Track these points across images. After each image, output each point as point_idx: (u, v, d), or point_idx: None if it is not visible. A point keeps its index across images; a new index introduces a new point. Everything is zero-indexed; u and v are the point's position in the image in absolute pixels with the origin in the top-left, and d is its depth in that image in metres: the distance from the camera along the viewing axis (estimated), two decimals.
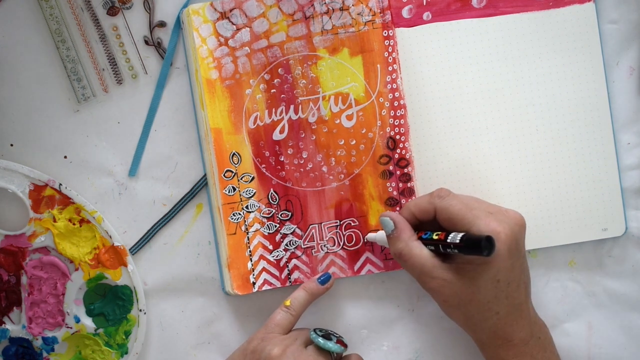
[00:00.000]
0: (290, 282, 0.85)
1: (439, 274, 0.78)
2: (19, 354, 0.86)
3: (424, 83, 0.86)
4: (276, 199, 0.85)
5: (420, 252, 0.79)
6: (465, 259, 0.78)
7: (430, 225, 0.81)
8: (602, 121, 0.87)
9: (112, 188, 0.86)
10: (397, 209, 0.85)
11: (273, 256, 0.85)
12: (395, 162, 0.86)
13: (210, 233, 0.87)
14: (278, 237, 0.85)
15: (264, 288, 0.85)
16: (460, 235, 0.76)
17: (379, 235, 0.84)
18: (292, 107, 0.85)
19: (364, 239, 0.86)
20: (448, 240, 0.77)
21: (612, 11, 0.87)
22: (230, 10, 0.85)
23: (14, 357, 0.86)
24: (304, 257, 0.86)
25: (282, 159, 0.85)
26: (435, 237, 0.79)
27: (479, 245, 0.74)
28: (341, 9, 0.85)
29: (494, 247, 0.74)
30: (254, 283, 0.85)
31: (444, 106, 0.86)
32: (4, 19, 0.85)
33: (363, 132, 0.85)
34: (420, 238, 0.80)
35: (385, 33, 0.85)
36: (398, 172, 0.86)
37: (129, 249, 0.86)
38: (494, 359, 0.80)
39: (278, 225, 0.85)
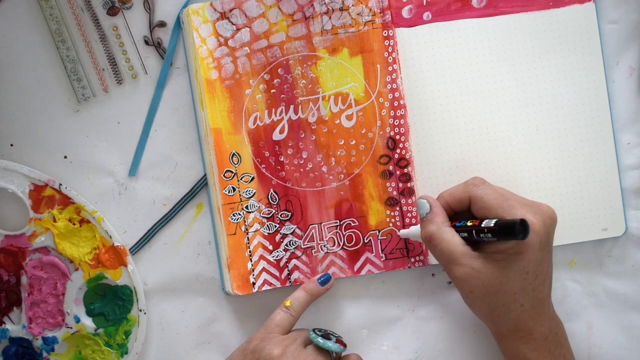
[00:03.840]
0: (290, 282, 0.85)
1: (467, 261, 0.78)
2: (19, 354, 0.86)
3: (424, 83, 0.86)
4: (276, 199, 0.85)
5: (452, 237, 0.79)
6: (497, 248, 0.77)
7: (462, 218, 0.81)
8: (602, 121, 0.87)
9: (112, 188, 0.86)
10: (397, 208, 0.85)
11: (273, 256, 0.85)
12: (395, 162, 0.86)
13: (210, 233, 0.87)
14: (278, 237, 0.85)
15: (264, 288, 0.85)
16: (494, 220, 0.77)
17: (412, 230, 0.84)
18: (292, 107, 0.85)
19: (363, 239, 0.86)
20: (482, 225, 0.77)
21: (612, 11, 0.87)
22: (230, 11, 0.84)
23: (14, 357, 0.86)
24: (304, 257, 0.86)
25: (282, 159, 0.85)
26: (469, 223, 0.79)
27: (513, 228, 0.74)
28: (341, 9, 0.85)
29: (528, 232, 0.74)
30: (254, 283, 0.85)
31: (444, 106, 0.86)
32: (4, 19, 0.85)
33: (363, 132, 0.85)
34: (453, 226, 0.80)
35: (385, 33, 0.85)
36: (398, 172, 0.86)
37: (129, 249, 0.86)
38: (512, 351, 0.80)
39: (278, 226, 0.85)
